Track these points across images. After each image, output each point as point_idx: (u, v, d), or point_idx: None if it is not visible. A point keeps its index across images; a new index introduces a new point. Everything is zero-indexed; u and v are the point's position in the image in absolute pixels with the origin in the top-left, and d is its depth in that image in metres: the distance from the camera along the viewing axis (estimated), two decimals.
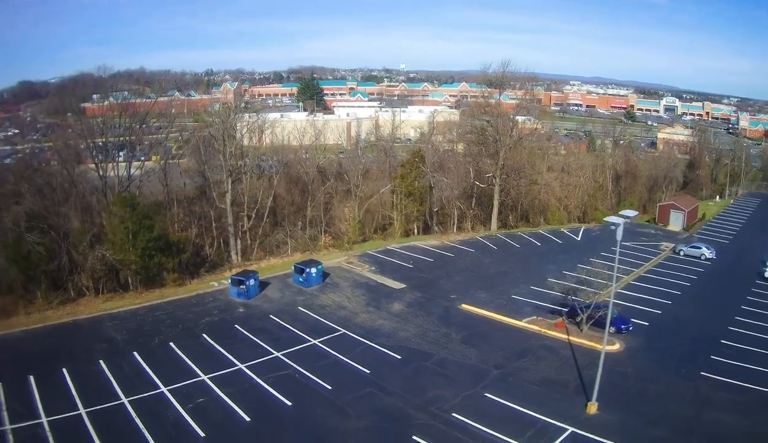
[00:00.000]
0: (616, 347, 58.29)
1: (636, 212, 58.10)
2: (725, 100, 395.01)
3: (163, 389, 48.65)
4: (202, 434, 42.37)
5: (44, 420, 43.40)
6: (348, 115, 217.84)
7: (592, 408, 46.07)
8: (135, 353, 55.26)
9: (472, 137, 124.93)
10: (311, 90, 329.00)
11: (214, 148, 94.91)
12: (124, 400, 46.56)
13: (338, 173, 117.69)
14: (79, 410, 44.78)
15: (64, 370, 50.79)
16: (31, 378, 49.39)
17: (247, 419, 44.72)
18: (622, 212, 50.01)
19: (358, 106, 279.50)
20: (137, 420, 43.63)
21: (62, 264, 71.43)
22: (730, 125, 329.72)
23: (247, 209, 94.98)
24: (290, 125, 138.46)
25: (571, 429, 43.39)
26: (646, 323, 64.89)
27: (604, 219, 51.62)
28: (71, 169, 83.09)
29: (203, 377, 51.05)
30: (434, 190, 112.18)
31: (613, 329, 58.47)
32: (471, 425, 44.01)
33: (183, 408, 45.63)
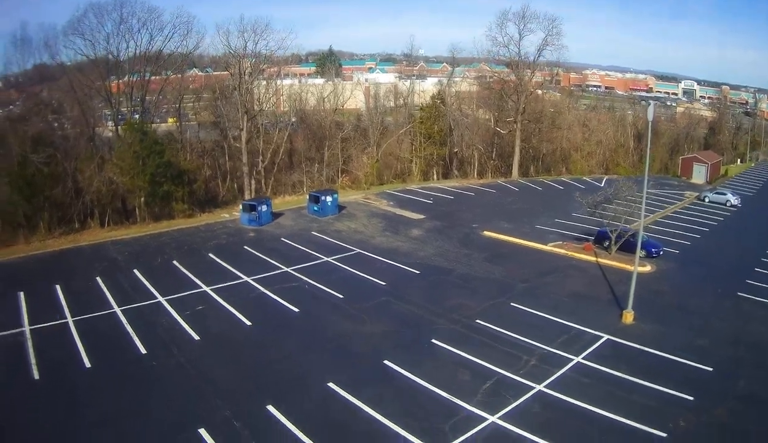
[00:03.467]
0: (647, 268, 52.94)
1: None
2: (743, 89, 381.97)
3: (160, 299, 42.79)
4: (197, 337, 36.54)
5: (27, 328, 37.59)
6: (366, 80, 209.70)
7: (628, 316, 40.68)
8: (135, 270, 49.33)
9: (493, 83, 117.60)
10: (330, 61, 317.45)
11: (230, 98, 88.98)
12: (116, 309, 40.75)
13: (356, 126, 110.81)
14: (66, 319, 39.04)
15: (57, 286, 44.97)
16: (21, 294, 43.34)
17: (249, 323, 38.84)
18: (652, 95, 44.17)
19: (377, 74, 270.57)
20: (127, 326, 37.88)
21: (67, 190, 65.50)
22: (748, 107, 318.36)
23: (262, 152, 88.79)
24: (308, 88, 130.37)
25: (606, 336, 37.73)
26: (677, 251, 59.28)
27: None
28: (87, 114, 75.90)
29: (204, 288, 45.13)
30: (454, 132, 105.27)
31: (643, 252, 53.35)
32: (496, 330, 38.20)
33: (179, 315, 39.81)
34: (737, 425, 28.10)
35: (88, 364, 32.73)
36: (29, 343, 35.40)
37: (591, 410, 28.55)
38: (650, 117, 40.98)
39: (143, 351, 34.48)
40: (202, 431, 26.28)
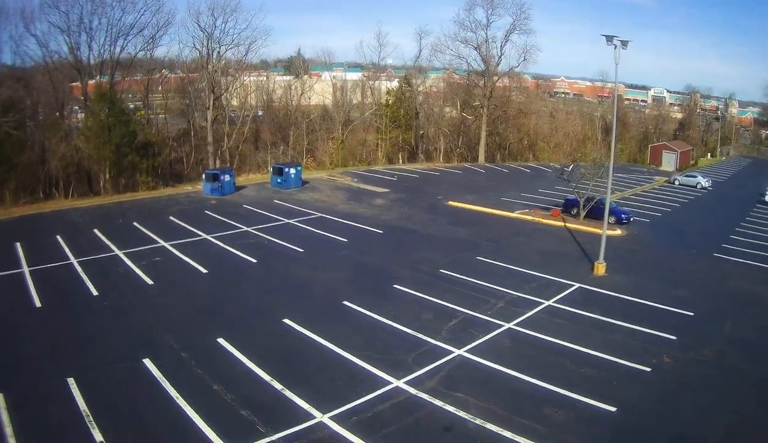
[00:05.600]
0: (618, 232, 51.25)
1: None
2: (714, 98, 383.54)
3: (117, 252, 41.02)
4: (151, 282, 34.92)
5: None
6: (334, 77, 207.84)
7: (600, 268, 38.99)
8: (95, 230, 47.48)
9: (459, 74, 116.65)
10: (298, 64, 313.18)
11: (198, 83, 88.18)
12: (73, 261, 38.92)
13: (322, 116, 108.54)
14: (21, 268, 37.14)
15: (17, 244, 42.80)
16: None
17: (205, 271, 37.30)
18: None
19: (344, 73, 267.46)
20: (82, 275, 36.03)
21: (33, 158, 63.80)
22: (719, 113, 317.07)
23: (227, 134, 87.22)
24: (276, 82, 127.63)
25: (578, 284, 36.15)
26: (647, 220, 58.42)
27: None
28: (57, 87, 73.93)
29: (163, 243, 43.49)
30: (420, 116, 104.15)
31: (612, 218, 51.60)
32: (461, 278, 36.70)
33: (135, 265, 38.12)
34: (726, 362, 26.30)
35: (38, 304, 31.03)
36: None
37: (567, 346, 26.91)
38: (617, 60, 38.76)
39: (95, 293, 32.83)
40: (147, 361, 24.52)
